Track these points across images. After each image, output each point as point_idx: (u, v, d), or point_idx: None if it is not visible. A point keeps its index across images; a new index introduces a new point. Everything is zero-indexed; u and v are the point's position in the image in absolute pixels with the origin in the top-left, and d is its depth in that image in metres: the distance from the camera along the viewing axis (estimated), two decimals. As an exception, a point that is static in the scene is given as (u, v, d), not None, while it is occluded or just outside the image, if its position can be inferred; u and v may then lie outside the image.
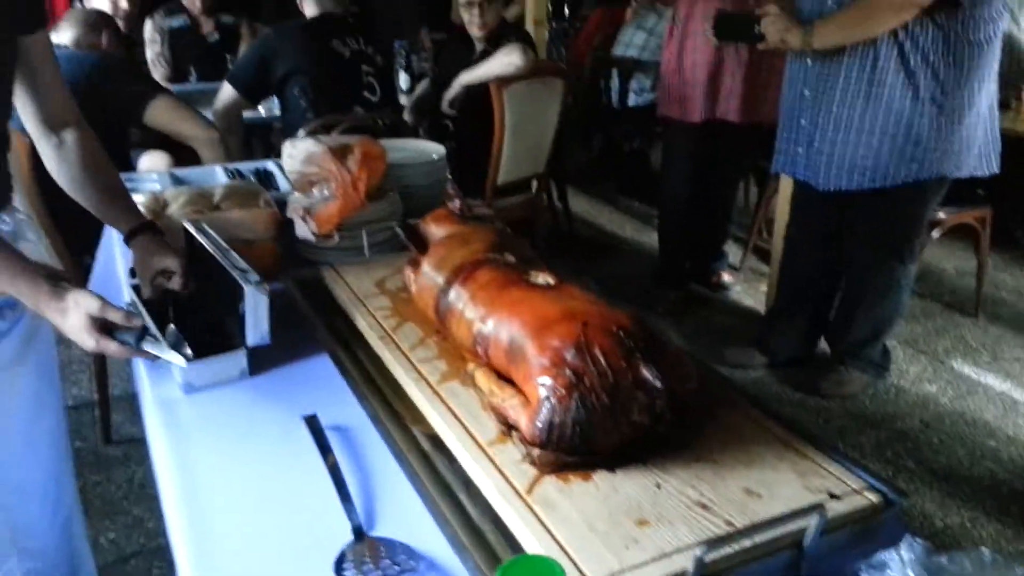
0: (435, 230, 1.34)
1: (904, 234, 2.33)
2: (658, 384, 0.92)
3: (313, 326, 1.29)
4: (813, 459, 0.93)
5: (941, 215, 2.86)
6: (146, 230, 1.29)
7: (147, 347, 1.08)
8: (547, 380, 0.91)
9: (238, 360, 1.15)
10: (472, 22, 2.92)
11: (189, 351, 1.09)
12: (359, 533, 0.85)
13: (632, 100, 4.26)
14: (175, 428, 1.06)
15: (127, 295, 1.30)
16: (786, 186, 2.75)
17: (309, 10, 2.64)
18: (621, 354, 0.92)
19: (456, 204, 1.37)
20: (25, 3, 1.18)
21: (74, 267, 2.17)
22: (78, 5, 2.66)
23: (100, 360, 2.21)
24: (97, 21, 2.31)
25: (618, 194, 4.50)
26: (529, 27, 3.87)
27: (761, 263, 3.47)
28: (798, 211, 2.57)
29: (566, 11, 5.91)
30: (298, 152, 1.58)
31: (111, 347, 1.07)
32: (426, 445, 0.99)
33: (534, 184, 3.11)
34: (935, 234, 2.91)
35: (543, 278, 1.10)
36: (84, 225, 1.90)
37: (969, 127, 2.15)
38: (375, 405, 1.07)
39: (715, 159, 2.95)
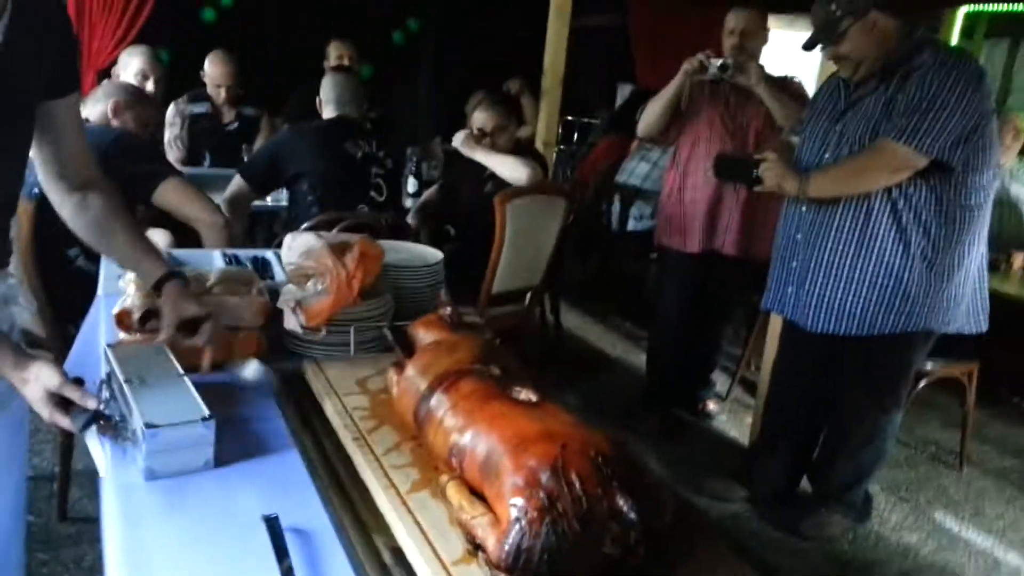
0: (423, 335, 1.35)
1: (889, 383, 2.33)
2: (632, 515, 0.89)
3: (288, 420, 1.27)
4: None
5: (929, 366, 2.88)
6: (174, 277, 1.33)
7: (88, 437, 1.10)
8: (519, 501, 0.88)
9: (204, 452, 1.12)
10: (486, 148, 3.03)
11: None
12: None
13: (631, 225, 4.38)
14: (131, 514, 1.02)
15: (103, 369, 1.28)
16: (776, 323, 2.78)
17: (328, 112, 2.75)
18: (598, 481, 0.91)
19: (447, 311, 1.37)
20: (61, 67, 1.22)
21: (59, 335, 2.16)
22: (107, 81, 2.75)
23: (67, 432, 2.15)
24: (124, 98, 2.38)
25: (611, 314, 4.54)
26: (540, 148, 4.02)
27: (747, 395, 3.47)
28: (786, 349, 2.59)
29: (575, 136, 6.15)
30: (298, 245, 1.60)
31: (64, 422, 1.09)
32: (387, 558, 0.96)
33: (528, 296, 3.14)
34: (922, 385, 2.92)
35: (526, 394, 1.09)
36: (74, 295, 1.91)
37: (958, 285, 2.20)
38: (339, 510, 1.04)
39: (709, 289, 3.00)
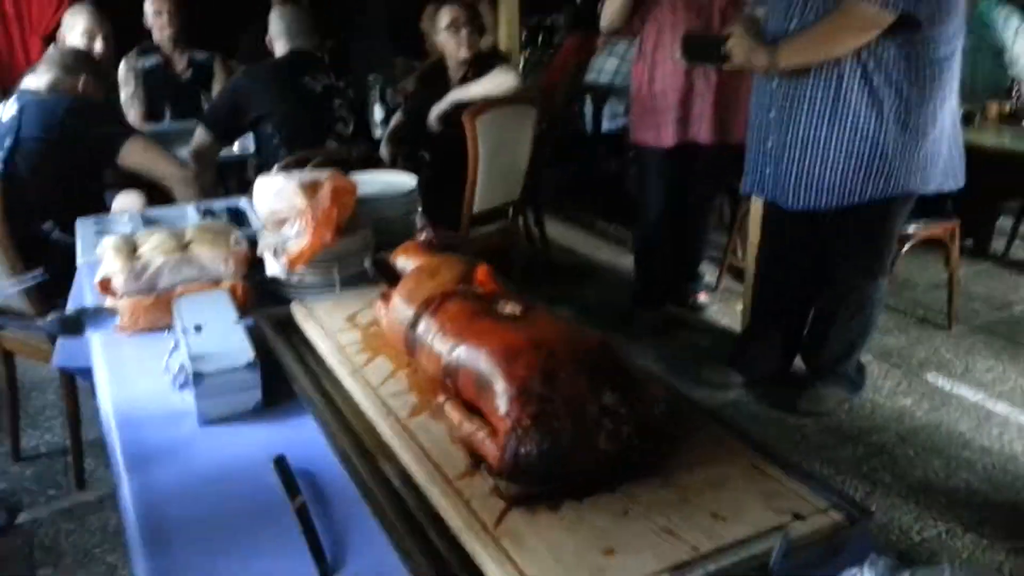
0: (405, 262, 1.36)
1: (874, 250, 2.36)
2: (623, 410, 0.93)
3: (284, 363, 1.29)
4: (779, 480, 0.94)
5: (911, 229, 2.91)
6: None
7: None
8: (513, 409, 0.92)
9: (251, 395, 1.18)
10: (460, 44, 2.94)
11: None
12: None
13: (606, 125, 4.32)
14: (142, 470, 1.06)
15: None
16: (757, 206, 2.79)
17: (279, 48, 2.67)
18: (586, 381, 0.94)
19: (425, 236, 1.37)
20: None
21: (48, 311, 2.16)
22: (54, 47, 2.65)
23: (73, 405, 2.19)
24: (73, 63, 2.32)
25: (594, 218, 4.53)
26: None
27: (736, 282, 3.51)
28: (769, 231, 2.61)
29: (539, 40, 5.98)
30: (268, 189, 1.58)
31: None
32: (396, 482, 0.99)
33: (510, 211, 3.14)
34: (906, 248, 2.96)
35: (511, 307, 1.11)
36: (55, 268, 1.91)
37: (933, 143, 2.20)
38: (344, 443, 1.07)
39: (688, 181, 2.99)
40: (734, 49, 2.14)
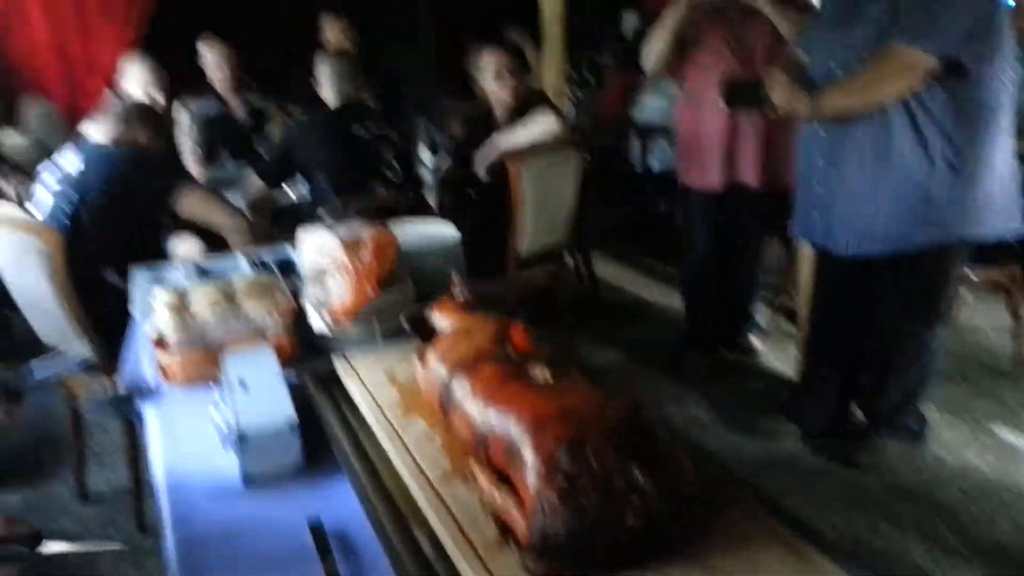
0: (440, 319, 1.37)
1: (930, 298, 2.28)
2: (651, 486, 0.91)
3: (325, 424, 1.31)
4: (815, 561, 0.91)
5: (970, 274, 2.82)
6: None
7: (49, 547, 1.03)
8: (540, 485, 0.91)
9: (292, 454, 1.21)
10: (504, 90, 2.96)
11: None
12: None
13: (655, 165, 4.31)
14: (186, 525, 1.09)
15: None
16: (808, 251, 2.73)
17: (328, 97, 2.76)
18: (614, 454, 0.92)
19: (460, 292, 1.39)
20: None
21: (110, 355, 2.24)
22: (115, 99, 2.79)
23: (133, 450, 2.24)
24: (134, 116, 2.42)
25: (644, 258, 4.50)
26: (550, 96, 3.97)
27: (792, 325, 3.43)
28: (821, 276, 2.55)
29: (587, 77, 6.00)
30: (311, 243, 1.63)
31: None
32: (428, 550, 0.99)
33: (556, 254, 3.14)
34: (967, 293, 2.85)
35: (542, 373, 1.11)
36: (115, 313, 1.98)
37: (987, 187, 2.12)
38: (379, 509, 1.07)
39: (736, 224, 2.95)
40: (774, 95, 2.12)
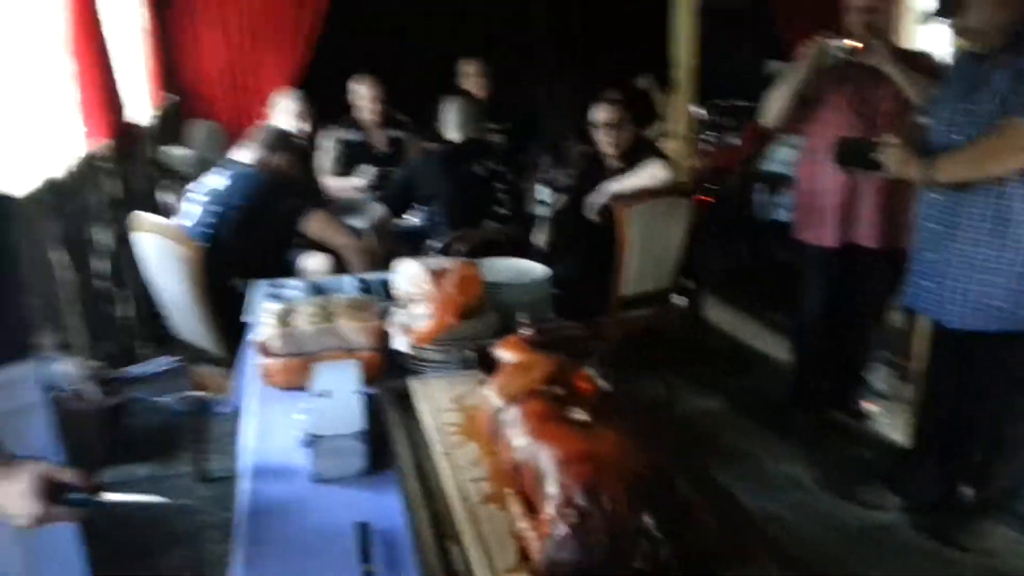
0: (505, 355, 1.45)
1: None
2: (660, 535, 0.95)
3: (390, 436, 1.42)
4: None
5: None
6: None
7: (108, 496, 1.12)
8: (554, 517, 0.97)
9: (357, 460, 1.33)
10: (605, 142, 3.08)
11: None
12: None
13: (779, 214, 4.22)
14: (258, 505, 1.23)
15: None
16: (924, 319, 2.61)
17: (451, 135, 2.94)
18: (628, 501, 0.97)
19: (527, 332, 1.47)
20: None
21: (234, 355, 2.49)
22: (261, 126, 3.08)
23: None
24: (276, 143, 2.70)
25: (761, 308, 4.39)
26: (675, 142, 4.00)
27: (911, 392, 3.25)
28: (934, 346, 2.43)
29: (724, 123, 5.95)
30: (404, 272, 1.76)
31: (60, 512, 1.09)
32: (459, 564, 1.07)
33: (661, 296, 3.16)
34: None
35: (580, 415, 1.17)
36: (239, 324, 2.21)
37: None
38: (421, 520, 1.17)
39: (851, 283, 2.86)
40: (887, 158, 2.07)
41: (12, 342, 1.31)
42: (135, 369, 1.51)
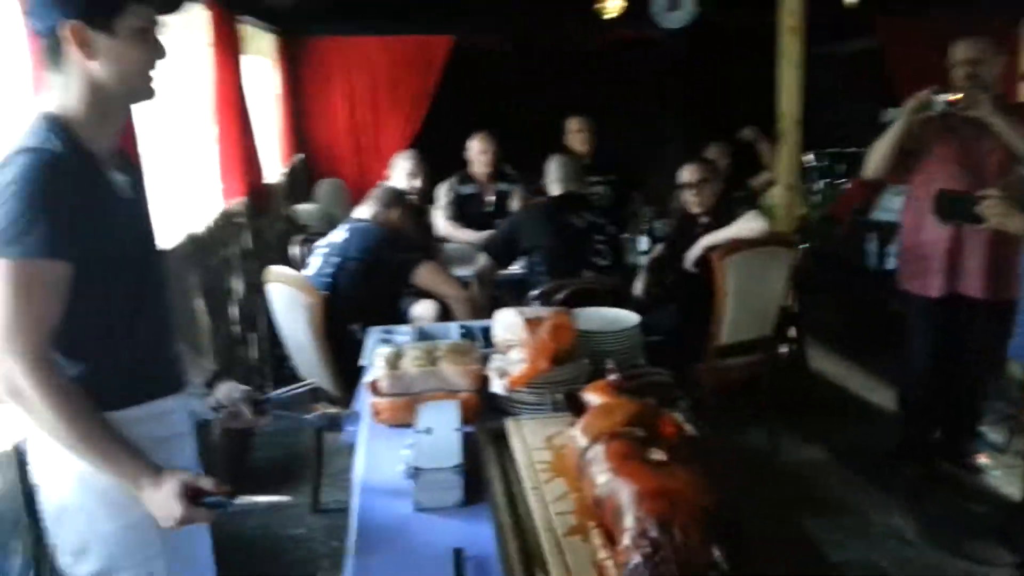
0: (591, 398, 1.55)
1: None
2: (728, 567, 1.02)
3: (485, 471, 1.54)
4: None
5: None
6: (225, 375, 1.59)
7: (240, 501, 1.32)
8: (630, 547, 1.06)
9: (454, 492, 1.46)
10: (690, 201, 3.20)
11: None
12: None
13: (889, 264, 4.13)
14: (367, 533, 1.38)
15: None
16: (1041, 370, 2.51)
17: (553, 189, 3.10)
18: (699, 535, 1.05)
19: (614, 377, 1.56)
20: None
21: (350, 395, 2.68)
22: (380, 185, 3.34)
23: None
24: (390, 200, 2.94)
25: (871, 357, 4.27)
26: (781, 190, 4.01)
27: (1030, 446, 3.09)
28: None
29: (837, 170, 5.87)
30: (503, 320, 1.90)
31: (199, 513, 1.25)
32: (542, 589, 1.18)
33: (763, 346, 3.16)
34: None
35: (657, 454, 1.25)
36: (356, 360, 2.40)
37: None
38: (511, 548, 1.28)
39: (959, 334, 2.79)
40: (989, 211, 2.05)
41: (167, 377, 1.52)
42: (276, 392, 1.70)
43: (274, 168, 4.42)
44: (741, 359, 3.09)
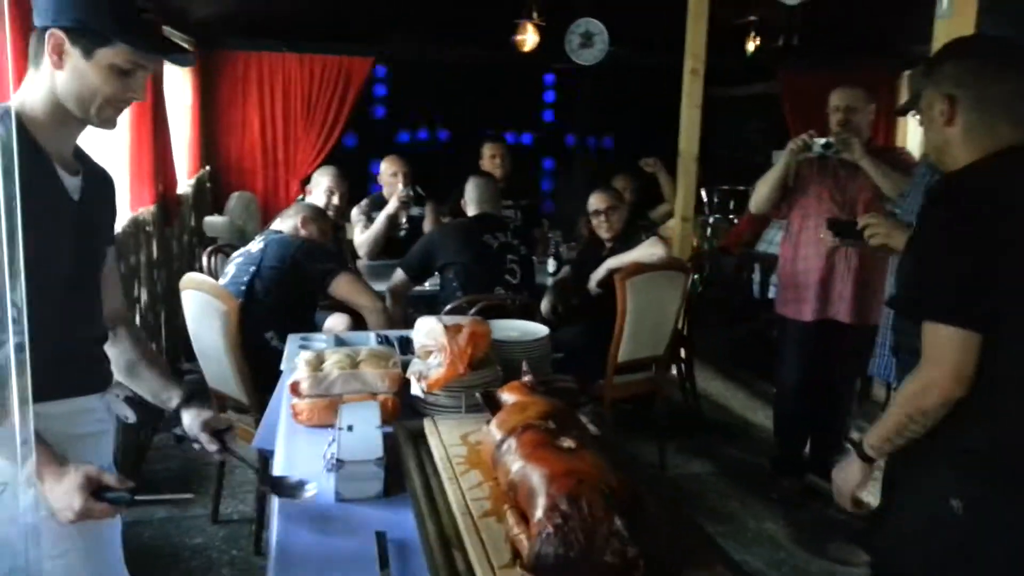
0: (508, 397, 1.69)
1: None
2: (627, 534, 1.17)
3: (404, 463, 1.64)
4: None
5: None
6: (193, 399, 1.60)
7: (142, 498, 1.31)
8: (542, 520, 1.19)
9: (376, 484, 1.55)
10: (600, 227, 3.44)
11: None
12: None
13: (772, 293, 4.48)
14: (288, 518, 1.45)
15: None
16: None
17: (471, 210, 3.26)
18: (604, 508, 1.19)
19: (528, 378, 1.70)
20: (111, 222, 1.61)
21: (259, 402, 2.71)
22: (299, 200, 3.41)
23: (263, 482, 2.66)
24: (309, 214, 3.00)
25: (754, 380, 4.61)
26: (677, 222, 4.30)
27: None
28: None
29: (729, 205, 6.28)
30: (423, 327, 2.01)
31: (98, 507, 1.25)
32: (460, 565, 1.29)
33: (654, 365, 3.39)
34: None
35: (567, 442, 1.40)
36: (270, 369, 2.45)
37: None
38: (429, 530, 1.38)
39: (827, 356, 3.09)
40: (872, 231, 2.15)
41: (91, 375, 1.55)
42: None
43: (183, 179, 4.37)
44: (636, 376, 3.30)
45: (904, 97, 5.63)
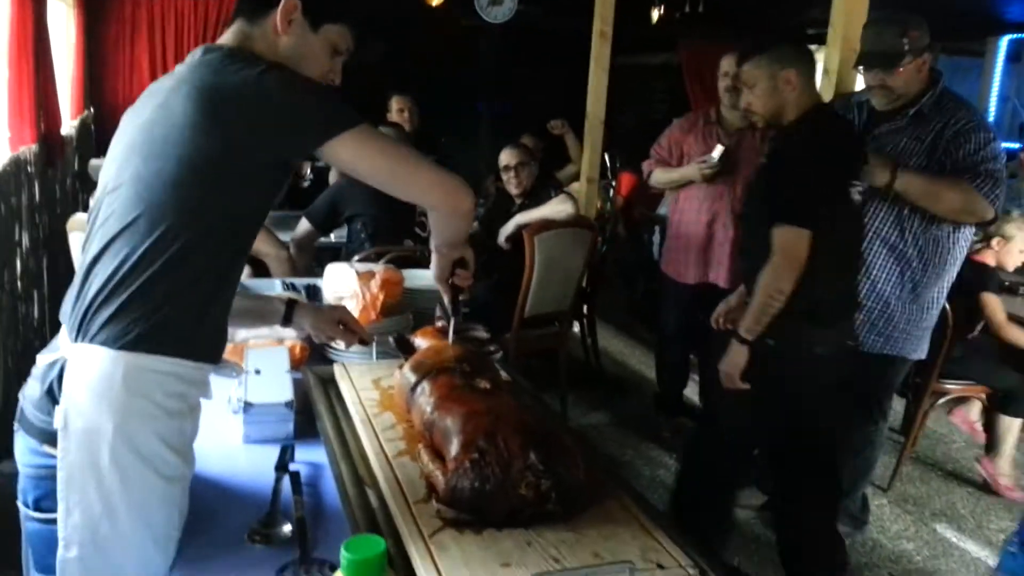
0: (421, 342, 1.70)
1: (875, 397, 2.54)
2: (541, 467, 1.22)
3: (314, 406, 1.64)
4: (659, 540, 1.19)
5: (949, 386, 3.06)
6: (295, 303, 1.73)
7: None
8: (458, 455, 1.23)
9: (285, 426, 1.54)
10: (510, 182, 3.47)
11: None
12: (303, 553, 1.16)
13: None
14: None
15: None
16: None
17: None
18: (519, 443, 1.23)
19: (442, 324, 1.72)
20: None
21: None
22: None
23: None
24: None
25: (649, 337, 4.80)
26: (582, 183, 4.38)
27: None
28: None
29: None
30: (335, 274, 1.99)
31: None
32: (375, 502, 1.30)
33: (558, 320, 3.47)
34: (940, 403, 3.10)
35: (483, 383, 1.43)
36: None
37: (931, 317, 2.41)
38: (342, 467, 1.39)
39: (706, 315, 3.24)
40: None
41: None
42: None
43: (67, 120, 4.09)
44: (541, 330, 3.38)
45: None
